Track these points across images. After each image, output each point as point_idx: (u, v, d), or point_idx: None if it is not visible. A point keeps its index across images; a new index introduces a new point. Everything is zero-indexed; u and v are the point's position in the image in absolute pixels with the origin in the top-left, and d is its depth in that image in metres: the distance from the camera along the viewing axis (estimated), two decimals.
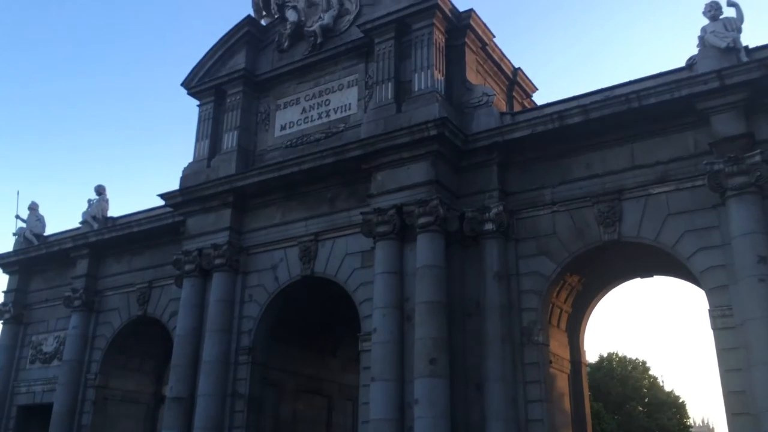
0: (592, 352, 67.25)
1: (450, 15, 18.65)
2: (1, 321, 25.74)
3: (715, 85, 14.51)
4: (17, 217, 26.71)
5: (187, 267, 20.16)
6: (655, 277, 18.47)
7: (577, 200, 16.25)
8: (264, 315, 19.29)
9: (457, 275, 16.76)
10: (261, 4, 22.17)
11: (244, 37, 21.75)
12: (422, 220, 16.45)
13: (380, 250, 17.03)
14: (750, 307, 13.42)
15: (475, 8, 18.84)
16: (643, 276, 18.39)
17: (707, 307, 14.44)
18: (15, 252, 26.20)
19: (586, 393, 18.46)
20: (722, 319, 14.04)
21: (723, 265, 14.22)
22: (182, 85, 22.48)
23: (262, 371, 19.28)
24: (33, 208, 26.96)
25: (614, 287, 18.90)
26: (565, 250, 16.20)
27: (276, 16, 21.86)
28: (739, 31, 15.28)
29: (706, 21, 15.68)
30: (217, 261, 19.64)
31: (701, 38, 15.51)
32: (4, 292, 26.15)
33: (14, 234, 26.84)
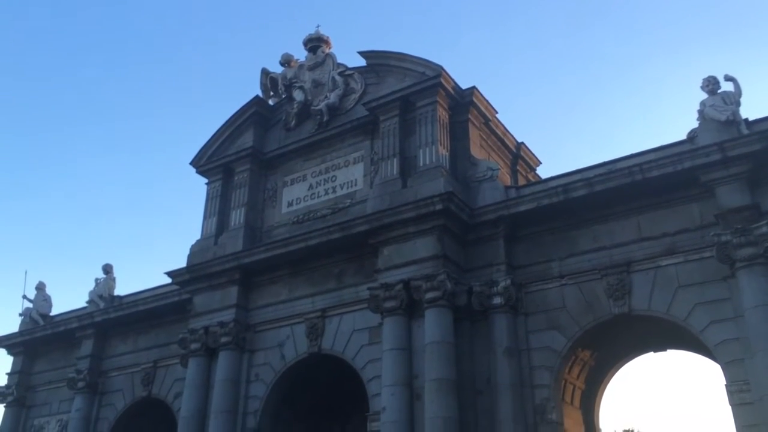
0: (607, 430, 65.18)
1: (453, 92, 19.09)
2: (4, 404, 25.30)
3: (717, 158, 14.64)
4: (24, 297, 26.68)
5: (193, 346, 19.93)
6: (669, 351, 18.11)
7: (586, 273, 16.14)
8: (270, 395, 18.90)
9: (467, 351, 16.48)
10: (269, 85, 22.79)
11: (252, 116, 22.26)
12: (430, 295, 16.33)
13: (388, 326, 16.84)
14: (767, 382, 13.06)
15: (477, 85, 19.31)
16: (656, 350, 18.04)
17: (724, 382, 14.09)
18: (20, 333, 26.02)
19: None
20: (740, 395, 13.66)
21: (737, 338, 13.96)
22: (191, 164, 22.87)
23: None
24: (40, 287, 26.94)
25: (627, 362, 18.50)
26: (576, 324, 15.96)
27: (283, 96, 22.42)
28: (738, 104, 15.53)
29: (704, 95, 15.97)
30: (224, 339, 19.42)
31: (700, 112, 15.76)
32: (7, 374, 25.82)
33: (20, 314, 26.73)
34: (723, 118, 15.26)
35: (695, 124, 15.94)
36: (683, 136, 16.11)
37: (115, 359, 23.43)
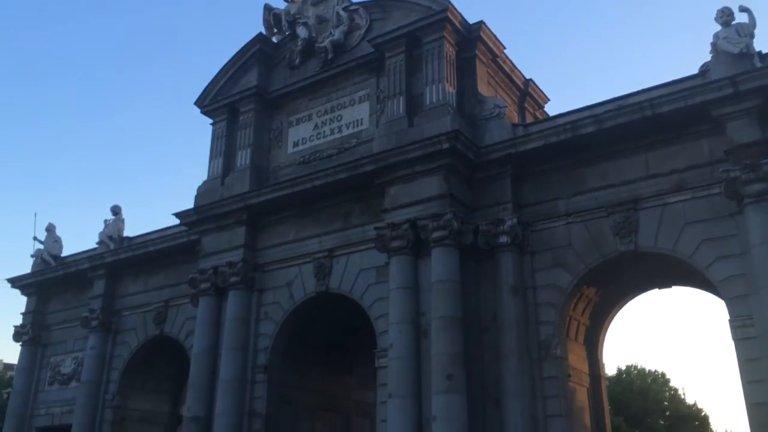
0: (610, 365, 66.42)
1: (460, 27, 18.67)
2: (20, 343, 25.89)
3: (729, 92, 14.35)
4: (35, 238, 26.90)
5: (203, 285, 20.19)
6: (674, 287, 18.21)
7: (592, 211, 16.10)
8: (280, 332, 19.24)
9: (473, 289, 16.63)
10: (272, 22, 22.32)
11: (256, 54, 21.89)
12: (436, 234, 16.37)
13: (395, 265, 16.97)
14: None
15: (485, 20, 18.86)
16: (661, 287, 18.14)
17: (727, 317, 14.21)
18: (33, 274, 26.39)
19: (606, 407, 18.16)
20: (743, 329, 13.78)
21: (742, 274, 13.98)
22: (195, 104, 22.66)
23: (279, 389, 19.20)
24: (50, 229, 27.15)
25: (632, 299, 18.64)
26: (581, 261, 16.03)
27: (287, 33, 22.00)
28: (752, 36, 15.14)
29: (718, 27, 15.55)
30: (233, 279, 19.66)
31: (714, 45, 15.38)
32: (22, 314, 26.32)
33: (32, 256, 27.05)
34: (736, 50, 14.89)
35: (709, 58, 15.58)
36: (697, 71, 15.80)
37: (127, 299, 23.81)
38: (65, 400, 23.97)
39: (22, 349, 25.82)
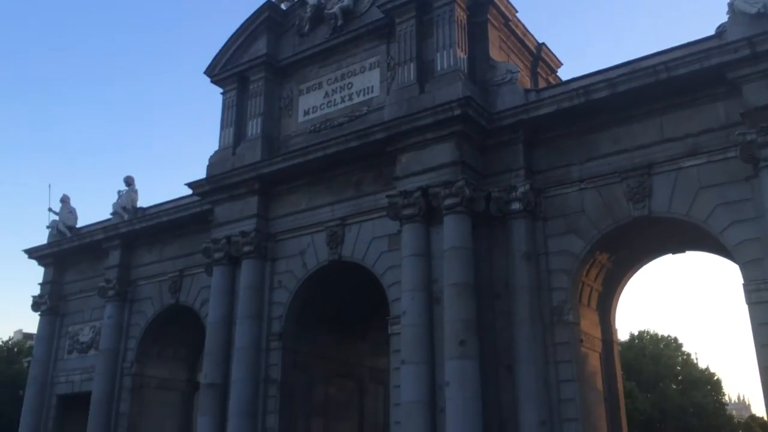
0: (622, 331, 66.65)
1: None
2: (38, 313, 26.29)
3: (746, 53, 14.09)
4: (50, 210, 27.15)
5: (217, 255, 20.34)
6: (687, 252, 18.14)
7: (606, 176, 15.99)
8: (293, 300, 19.42)
9: (485, 256, 16.65)
10: None
11: (265, 22, 21.70)
12: (448, 202, 16.35)
13: (407, 232, 17.00)
14: None
15: None
16: (674, 252, 18.07)
17: (741, 281, 14.15)
18: (49, 244, 26.70)
19: (618, 372, 18.26)
20: (757, 293, 13.73)
21: (757, 238, 13.90)
22: (205, 73, 22.55)
23: (293, 356, 19.46)
24: (65, 200, 27.37)
25: (645, 264, 18.61)
26: (594, 227, 15.97)
27: (296, 0, 21.75)
28: None
29: None
30: (246, 248, 19.78)
31: (731, 5, 15.07)
32: (39, 284, 26.69)
33: (48, 227, 27.31)
34: (753, 10, 14.57)
35: (726, 18, 15.27)
36: (713, 32, 15.50)
37: (142, 269, 24.06)
38: (84, 368, 24.43)
39: (40, 319, 26.24)
